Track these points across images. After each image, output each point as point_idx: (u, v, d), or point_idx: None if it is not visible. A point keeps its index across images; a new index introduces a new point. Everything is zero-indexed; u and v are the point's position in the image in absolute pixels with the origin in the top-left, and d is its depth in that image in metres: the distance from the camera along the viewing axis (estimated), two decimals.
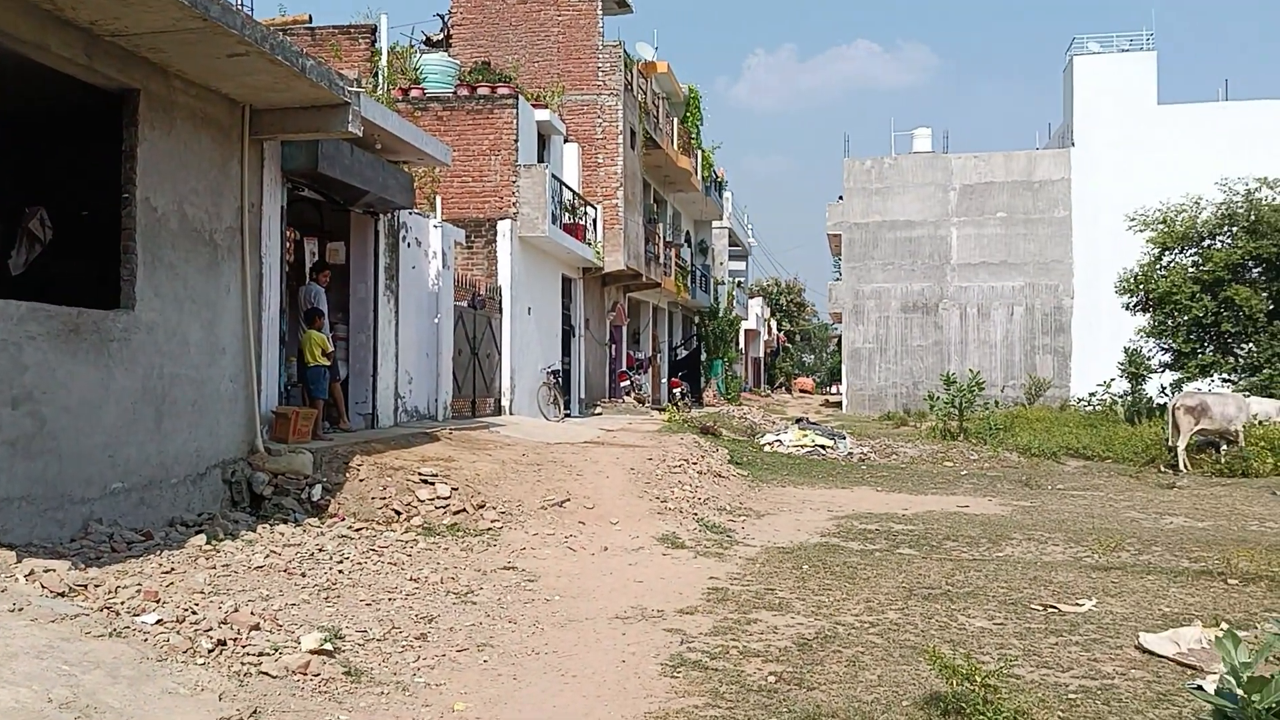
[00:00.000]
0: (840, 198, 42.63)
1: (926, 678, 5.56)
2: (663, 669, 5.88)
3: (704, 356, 36.70)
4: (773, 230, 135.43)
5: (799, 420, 26.37)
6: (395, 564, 8.01)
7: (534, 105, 20.61)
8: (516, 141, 18.95)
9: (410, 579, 7.61)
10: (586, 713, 5.20)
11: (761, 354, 63.40)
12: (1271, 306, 22.74)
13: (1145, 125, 36.58)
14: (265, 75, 8.52)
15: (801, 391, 62.37)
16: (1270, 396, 20.36)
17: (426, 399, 15.30)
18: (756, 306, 58.08)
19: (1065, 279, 37.55)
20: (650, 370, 30.17)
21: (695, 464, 14.24)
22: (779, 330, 70.54)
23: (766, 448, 20.56)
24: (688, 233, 36.28)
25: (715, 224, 41.67)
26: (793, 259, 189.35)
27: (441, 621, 6.65)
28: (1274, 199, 23.56)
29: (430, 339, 15.35)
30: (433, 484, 10.16)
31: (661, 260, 28.65)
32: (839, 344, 51.25)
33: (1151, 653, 6.22)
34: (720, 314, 38.85)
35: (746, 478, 15.43)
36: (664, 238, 29.77)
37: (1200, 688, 5.22)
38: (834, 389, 57.99)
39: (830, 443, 21.10)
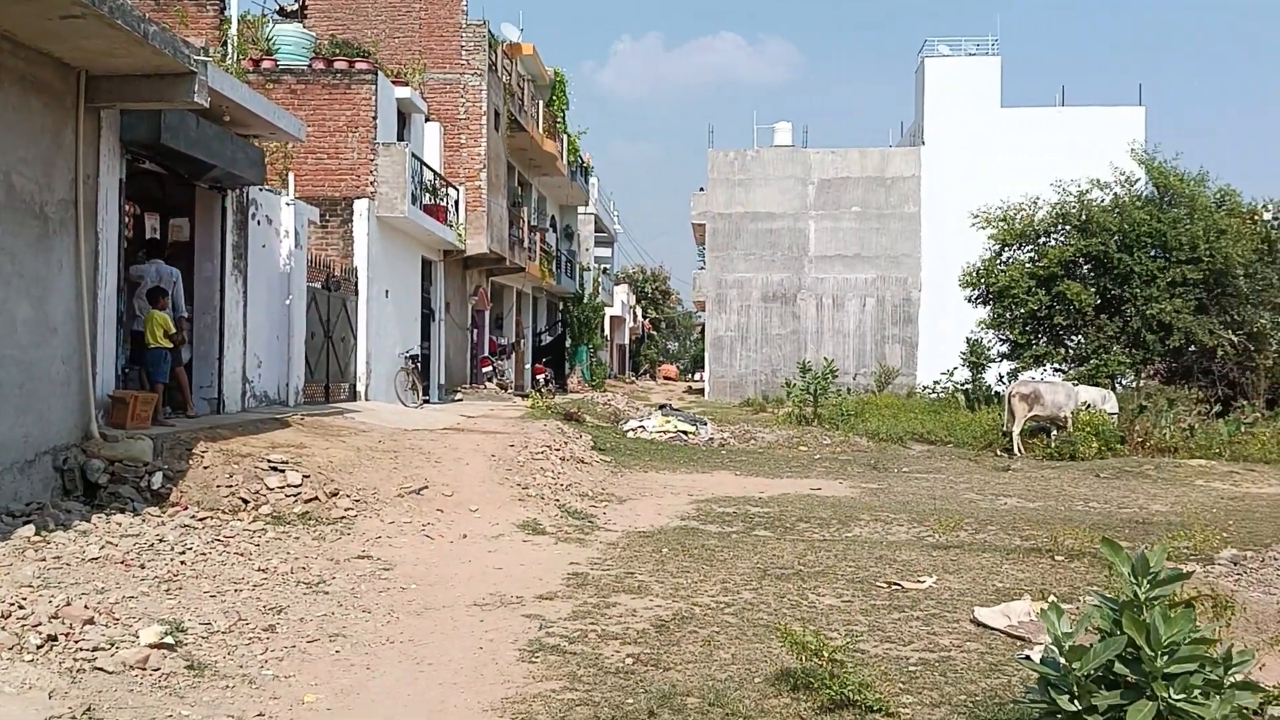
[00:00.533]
0: (703, 188, 43.25)
1: (778, 655, 5.73)
2: (521, 654, 5.87)
3: (569, 342, 36.65)
4: (639, 217, 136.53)
5: (662, 406, 26.70)
6: (242, 554, 7.72)
7: (394, 82, 20.10)
8: (375, 119, 18.44)
9: (258, 569, 7.35)
10: (442, 700, 5.15)
11: (627, 340, 63.83)
12: (1099, 301, 24.29)
13: (989, 127, 38.44)
14: (103, 40, 8.03)
15: (665, 378, 63.11)
16: (1096, 385, 21.78)
17: (277, 383, 14.77)
18: (622, 293, 58.40)
19: (914, 272, 39.17)
20: (514, 356, 29.96)
21: (558, 450, 14.23)
22: (644, 317, 71.15)
23: (630, 434, 20.72)
24: (553, 217, 36.14)
25: (581, 209, 41.65)
26: (659, 247, 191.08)
27: (291, 612, 6.46)
28: (1103, 200, 25.16)
29: (281, 321, 14.81)
30: (283, 471, 9.82)
31: (526, 244, 28.45)
32: (702, 332, 52.09)
33: (985, 626, 6.59)
34: (585, 300, 38.86)
35: (609, 463, 15.53)
36: (528, 222, 29.56)
37: (1028, 657, 5.57)
38: (697, 376, 58.90)
39: (692, 428, 21.43)
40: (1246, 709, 4.11)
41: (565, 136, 33.43)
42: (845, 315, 39.65)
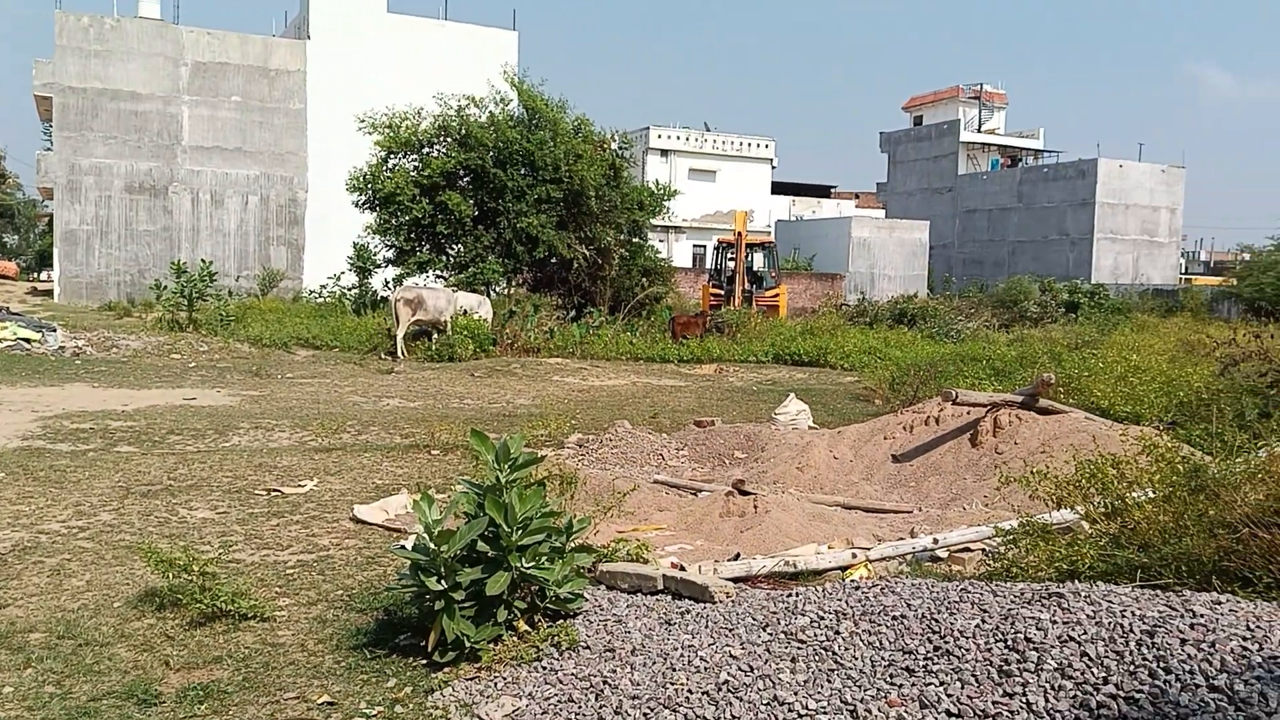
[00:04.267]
0: (49, 58, 36.97)
1: (143, 576, 5.30)
2: None
3: None
4: None
5: None
6: None
7: None
8: None
9: None
10: None
11: None
12: (477, 212, 25.85)
13: (376, 30, 38.27)
14: None
15: (3, 277, 53.78)
16: (473, 291, 23.32)
17: None
18: None
19: (300, 172, 37.96)
20: None
21: None
22: None
23: None
24: None
25: None
26: None
27: None
28: (480, 117, 26.64)
29: None
30: None
31: None
32: (50, 224, 45.10)
33: (364, 522, 6.76)
34: None
35: None
36: None
37: (403, 547, 5.84)
38: (44, 275, 51.13)
39: (37, 336, 18.61)
40: (583, 567, 4.78)
41: None
42: (226, 213, 37.18)
